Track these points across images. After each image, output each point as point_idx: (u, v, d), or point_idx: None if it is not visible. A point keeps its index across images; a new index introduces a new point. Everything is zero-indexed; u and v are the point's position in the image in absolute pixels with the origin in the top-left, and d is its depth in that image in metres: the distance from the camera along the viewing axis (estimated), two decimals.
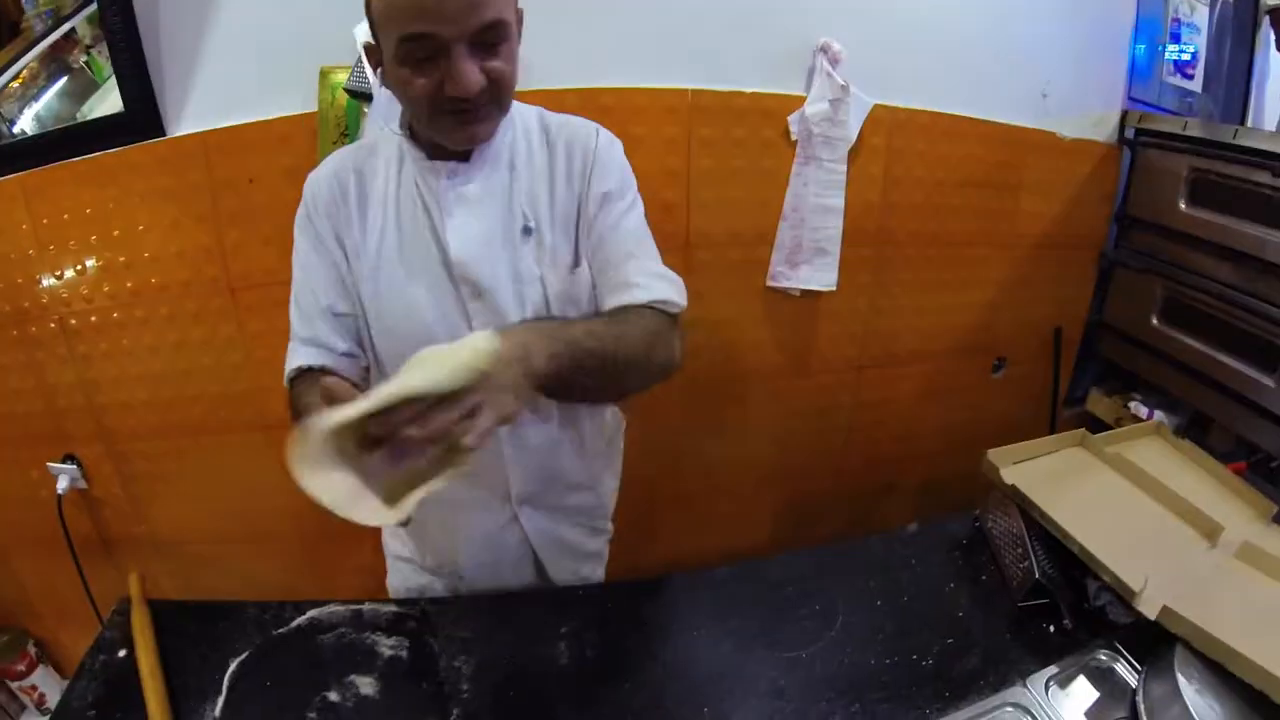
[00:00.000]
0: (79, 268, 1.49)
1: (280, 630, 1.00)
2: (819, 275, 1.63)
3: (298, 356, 1.00)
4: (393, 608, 1.04)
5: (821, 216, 1.58)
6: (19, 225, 1.47)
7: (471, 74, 0.82)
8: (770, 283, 1.63)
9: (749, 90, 1.49)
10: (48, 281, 1.51)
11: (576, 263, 1.02)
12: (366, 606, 1.04)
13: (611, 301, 0.99)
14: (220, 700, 0.89)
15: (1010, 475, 1.13)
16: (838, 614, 0.98)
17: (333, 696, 0.91)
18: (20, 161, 1.43)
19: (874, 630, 0.96)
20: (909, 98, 1.58)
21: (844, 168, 1.55)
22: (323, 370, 0.97)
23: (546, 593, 1.12)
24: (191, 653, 0.96)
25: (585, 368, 0.85)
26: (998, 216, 1.75)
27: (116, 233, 1.44)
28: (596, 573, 1.24)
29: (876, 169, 1.60)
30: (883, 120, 1.56)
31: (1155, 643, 0.87)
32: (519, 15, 0.90)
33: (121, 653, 0.96)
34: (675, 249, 1.56)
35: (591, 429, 1.12)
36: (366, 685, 0.93)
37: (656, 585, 1.06)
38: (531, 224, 0.98)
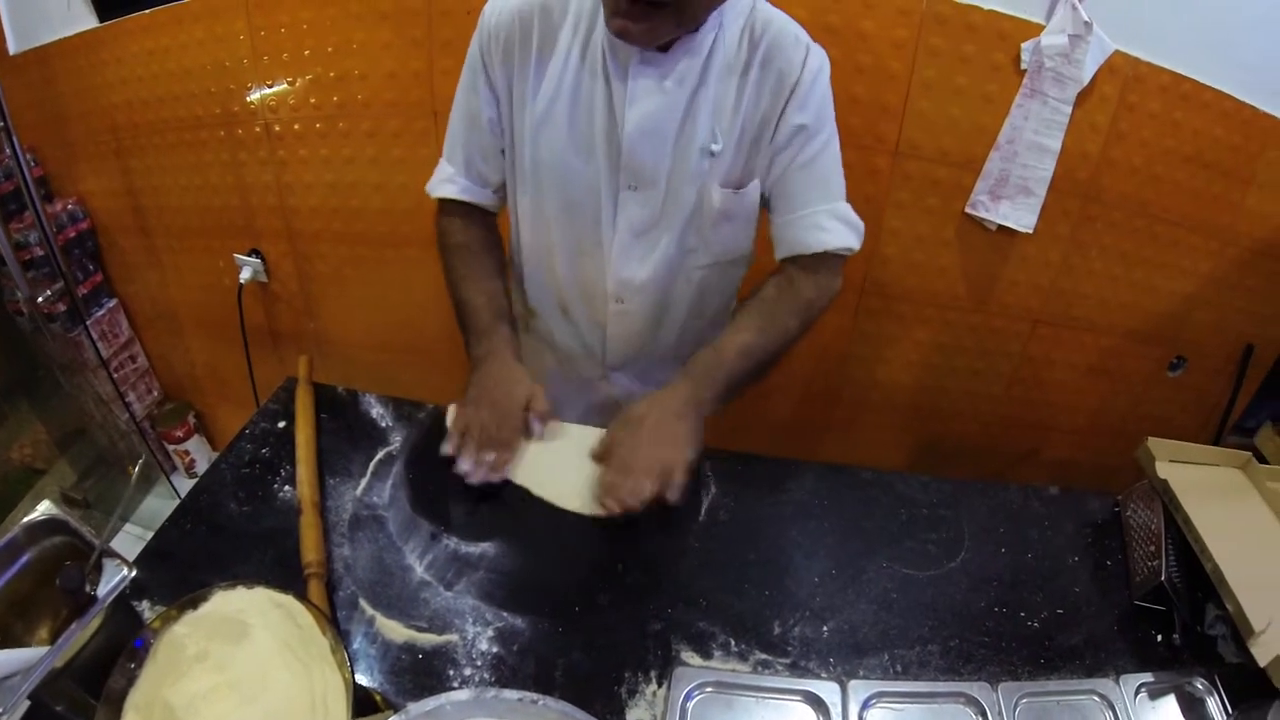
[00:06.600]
0: (290, 79, 1.59)
1: (430, 428, 1.05)
2: (1019, 214, 1.54)
3: (450, 186, 1.07)
4: None
5: (1035, 155, 1.47)
6: (237, 35, 1.58)
7: None
8: (969, 210, 1.56)
9: (987, 7, 1.37)
10: (258, 89, 1.62)
11: (745, 181, 1.00)
12: None
13: (792, 239, 1.02)
14: (363, 483, 0.98)
15: (1164, 470, 1.05)
16: (963, 548, 0.97)
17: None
18: None
19: (991, 575, 0.94)
20: (1153, 51, 1.41)
21: (1069, 110, 1.42)
22: (470, 206, 1.08)
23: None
24: (344, 435, 1.05)
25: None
26: (1219, 206, 1.56)
27: (330, 49, 1.52)
28: None
29: (1103, 120, 1.45)
30: (1120, 69, 1.40)
31: (1255, 692, 0.81)
32: None
33: (281, 424, 1.06)
34: (885, 153, 1.52)
35: (690, 316, 1.15)
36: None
37: (802, 467, 1.07)
38: (718, 146, 0.96)
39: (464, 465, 0.94)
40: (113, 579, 0.69)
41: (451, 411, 1.02)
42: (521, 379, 1.01)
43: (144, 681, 0.66)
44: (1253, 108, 1.46)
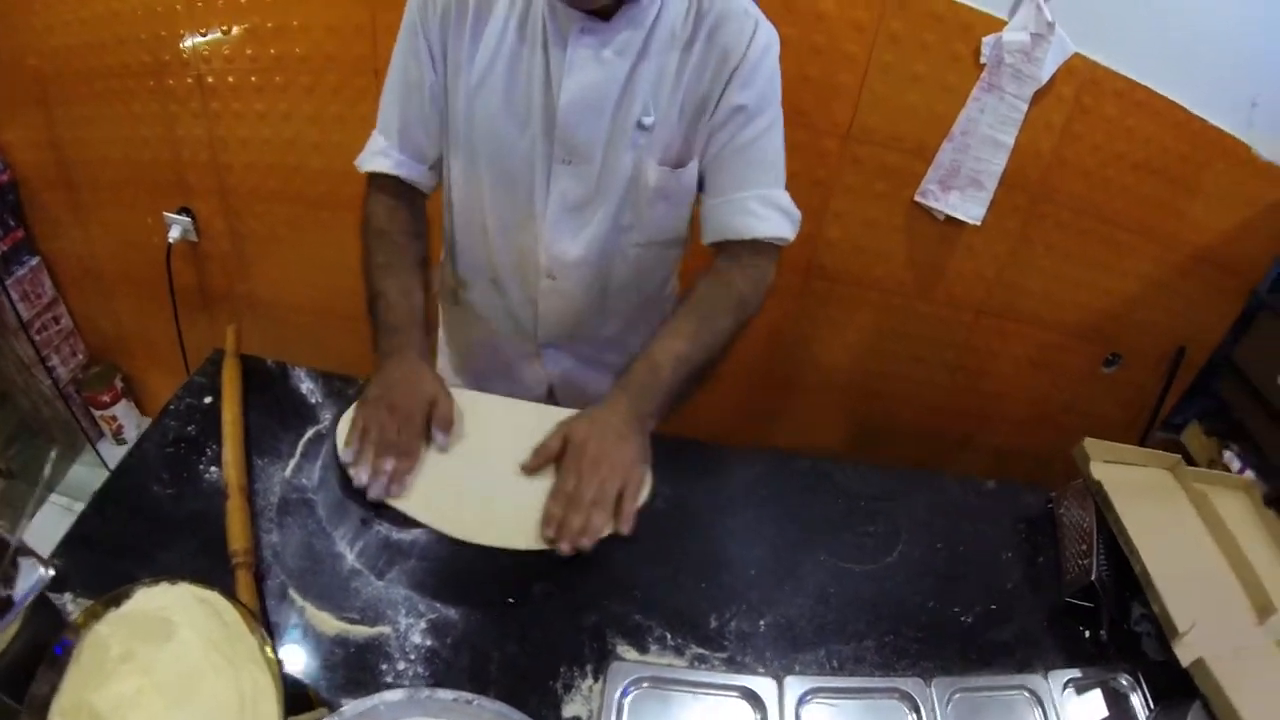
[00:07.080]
0: (225, 28, 1.49)
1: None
2: (967, 206, 1.57)
3: (383, 160, 1.01)
4: None
5: (989, 149, 1.49)
6: None
7: None
8: (918, 198, 1.58)
9: None
10: (192, 38, 1.52)
11: (684, 160, 0.97)
12: None
13: (721, 223, 0.99)
14: (292, 463, 0.93)
15: (1099, 471, 1.08)
16: (899, 542, 0.97)
17: None
18: None
19: (927, 570, 0.95)
20: (1112, 56, 1.42)
21: (1025, 107, 1.44)
22: (401, 185, 1.03)
23: None
24: (272, 413, 0.99)
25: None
26: (1163, 212, 1.60)
27: None
28: None
29: (1058, 119, 1.47)
30: (1078, 72, 1.42)
31: (1177, 690, 0.84)
32: None
33: (208, 399, 1.00)
34: (835, 136, 1.51)
35: (626, 294, 1.12)
36: None
37: (739, 454, 1.06)
38: (650, 119, 0.92)
39: (361, 476, 0.87)
40: (30, 579, 0.64)
41: (348, 417, 0.96)
42: (427, 379, 0.95)
43: (68, 686, 0.62)
44: (1203, 120, 1.49)
